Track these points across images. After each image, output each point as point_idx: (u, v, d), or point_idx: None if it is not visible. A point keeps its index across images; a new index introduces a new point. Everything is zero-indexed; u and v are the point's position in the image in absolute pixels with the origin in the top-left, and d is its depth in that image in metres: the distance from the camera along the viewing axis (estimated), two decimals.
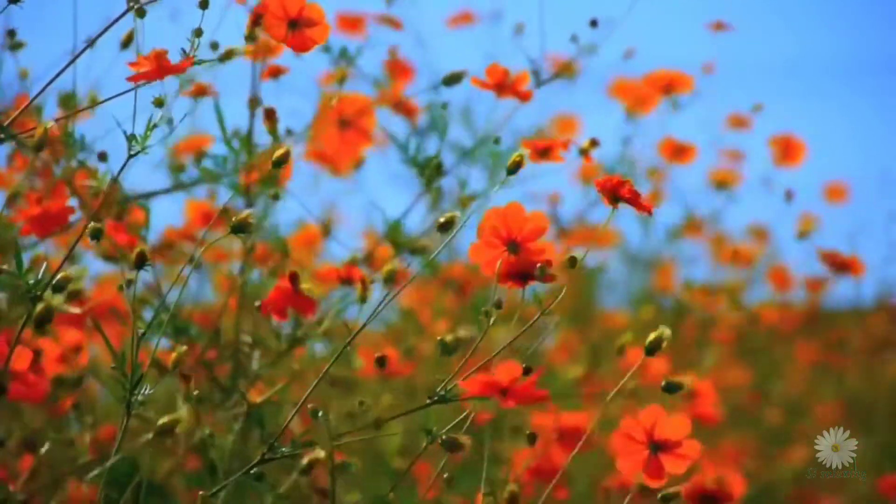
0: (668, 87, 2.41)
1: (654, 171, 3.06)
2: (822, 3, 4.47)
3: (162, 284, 2.00)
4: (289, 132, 1.97)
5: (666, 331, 1.48)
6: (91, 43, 1.59)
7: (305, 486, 1.90)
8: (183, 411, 1.38)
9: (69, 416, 1.91)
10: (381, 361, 1.58)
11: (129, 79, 1.49)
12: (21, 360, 1.63)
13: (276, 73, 2.04)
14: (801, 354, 3.51)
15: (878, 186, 3.45)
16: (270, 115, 1.80)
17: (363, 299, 1.59)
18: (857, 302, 3.54)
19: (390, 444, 2.22)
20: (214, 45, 1.65)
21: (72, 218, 1.68)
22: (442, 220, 1.51)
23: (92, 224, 1.49)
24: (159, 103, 1.52)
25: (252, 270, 2.02)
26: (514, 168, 1.52)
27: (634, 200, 1.49)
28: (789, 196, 2.59)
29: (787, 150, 2.70)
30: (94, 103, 1.89)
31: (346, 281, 1.80)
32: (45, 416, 1.93)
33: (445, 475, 1.56)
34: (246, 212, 1.50)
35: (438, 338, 1.57)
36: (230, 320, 2.00)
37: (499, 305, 1.49)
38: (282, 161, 1.53)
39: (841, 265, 2.16)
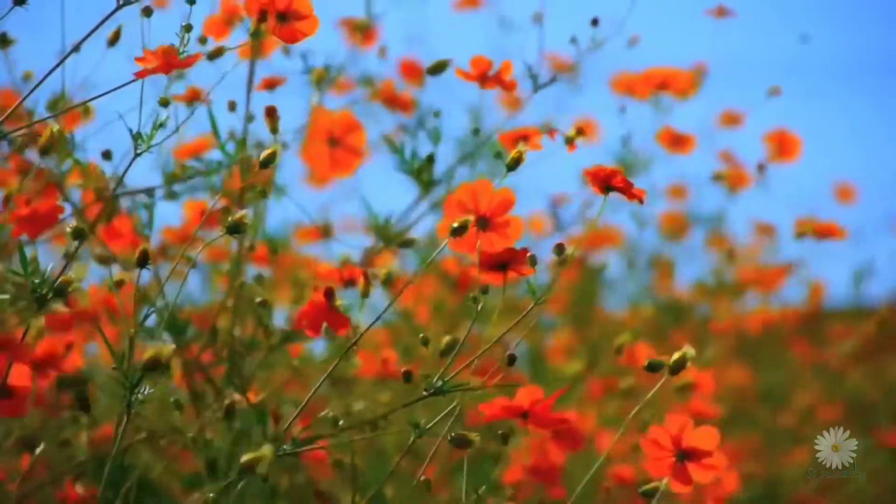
0: (664, 84, 2.40)
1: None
2: (823, 3, 4.47)
3: (158, 284, 2.00)
4: (283, 145, 1.98)
5: (690, 350, 1.49)
6: (77, 47, 1.59)
7: (304, 486, 1.90)
8: (267, 448, 1.37)
9: (66, 416, 1.91)
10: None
11: (137, 74, 1.50)
12: (20, 376, 1.63)
13: (271, 84, 2.03)
14: (802, 354, 3.51)
15: (883, 187, 3.45)
16: (271, 113, 1.80)
17: (366, 294, 1.59)
18: (860, 302, 3.54)
19: (390, 443, 2.21)
20: (203, 40, 1.64)
21: (61, 218, 1.67)
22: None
23: (74, 225, 1.49)
24: (164, 103, 1.52)
25: (247, 269, 2.02)
26: (514, 164, 1.52)
27: (626, 189, 1.50)
28: (761, 168, 2.58)
29: (782, 145, 2.69)
30: (87, 110, 1.89)
31: (349, 282, 1.79)
32: (42, 417, 1.92)
33: (422, 478, 1.55)
34: (241, 212, 1.50)
35: (420, 336, 1.56)
36: (226, 320, 2.00)
37: (485, 290, 1.49)
38: (269, 161, 1.53)
39: (821, 232, 2.15)
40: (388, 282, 1.66)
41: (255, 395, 1.87)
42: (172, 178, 2.01)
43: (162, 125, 1.53)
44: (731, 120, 2.84)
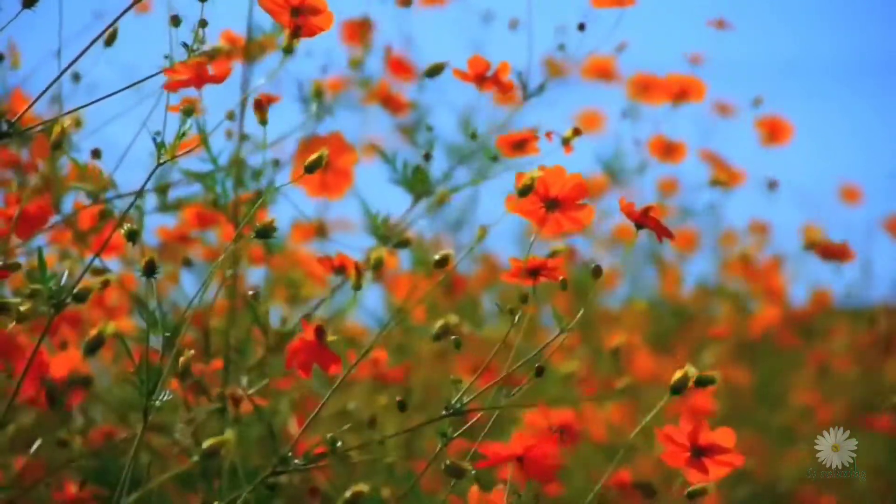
0: (682, 93, 2.40)
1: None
2: (822, 3, 4.46)
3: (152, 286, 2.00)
4: (276, 162, 1.98)
5: (692, 370, 1.49)
6: (79, 56, 1.59)
7: (299, 485, 1.90)
8: (229, 433, 1.37)
9: (63, 416, 1.91)
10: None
11: (166, 86, 1.49)
12: (60, 366, 1.64)
13: (267, 101, 2.03)
14: (798, 353, 3.51)
15: (883, 187, 3.45)
16: (260, 106, 1.80)
17: (357, 287, 1.59)
18: (864, 302, 3.53)
19: (387, 443, 2.21)
20: (200, 39, 1.64)
21: (51, 220, 1.67)
22: (437, 257, 1.54)
23: (128, 225, 1.50)
24: (189, 111, 1.52)
25: (241, 263, 2.02)
26: (526, 190, 1.52)
27: (657, 226, 1.52)
28: (773, 185, 2.58)
29: (773, 131, 2.69)
30: (78, 122, 1.89)
31: (339, 270, 1.79)
32: (39, 416, 1.93)
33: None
34: (271, 217, 1.51)
35: (440, 323, 1.57)
36: (221, 322, 2.00)
37: (525, 300, 1.50)
38: (315, 166, 1.53)
39: (831, 253, 2.14)
40: (378, 266, 1.66)
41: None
42: (165, 189, 2.01)
43: (184, 134, 1.53)
44: (724, 110, 2.83)
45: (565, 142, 1.80)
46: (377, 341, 1.59)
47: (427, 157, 1.99)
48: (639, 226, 1.52)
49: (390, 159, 2.00)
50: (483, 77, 1.79)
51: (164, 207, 2.03)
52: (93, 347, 1.48)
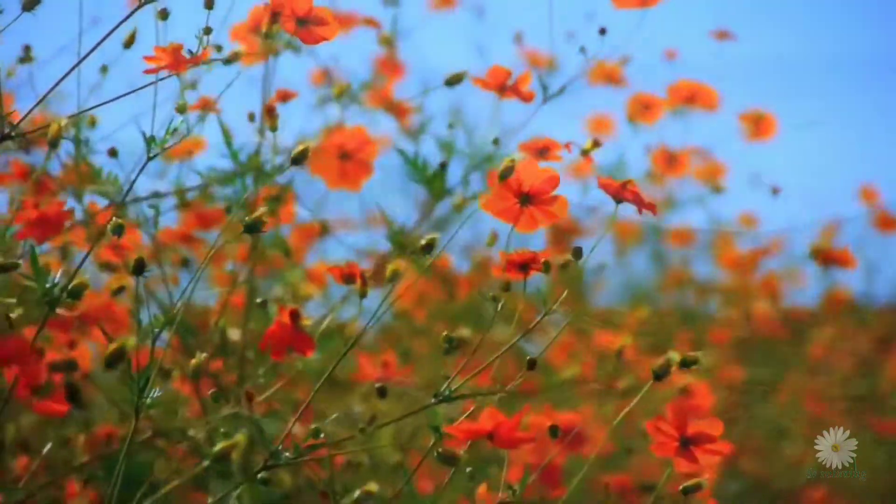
0: (691, 98, 2.40)
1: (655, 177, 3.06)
2: (823, 3, 4.47)
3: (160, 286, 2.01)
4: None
5: (674, 356, 1.50)
6: (86, 55, 1.59)
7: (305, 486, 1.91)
8: (240, 436, 1.37)
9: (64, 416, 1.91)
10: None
11: (146, 72, 1.51)
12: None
13: (284, 97, 2.04)
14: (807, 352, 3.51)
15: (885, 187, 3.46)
16: (271, 112, 1.81)
17: (363, 294, 1.59)
18: (868, 301, 3.54)
19: (386, 441, 2.22)
20: (218, 48, 1.66)
21: (67, 223, 1.68)
22: (423, 242, 1.56)
23: (115, 220, 1.50)
24: (181, 109, 1.53)
25: (254, 269, 2.03)
26: (507, 173, 1.53)
27: (637, 201, 1.52)
28: (776, 192, 2.58)
29: (758, 125, 2.68)
30: (93, 121, 1.89)
31: (348, 279, 1.80)
32: (40, 417, 1.93)
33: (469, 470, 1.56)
34: (259, 210, 1.51)
35: (445, 334, 1.58)
36: (233, 323, 2.01)
37: (507, 288, 1.50)
38: (301, 157, 1.54)
39: (831, 260, 2.15)
40: (395, 278, 1.67)
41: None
42: (183, 190, 2.02)
43: (175, 130, 1.54)
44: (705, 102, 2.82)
45: (585, 153, 1.81)
46: (363, 334, 1.60)
47: (444, 167, 2.00)
48: (618, 200, 1.52)
49: (412, 160, 2.00)
50: (504, 86, 1.81)
51: (183, 205, 2.04)
52: (113, 361, 1.47)
